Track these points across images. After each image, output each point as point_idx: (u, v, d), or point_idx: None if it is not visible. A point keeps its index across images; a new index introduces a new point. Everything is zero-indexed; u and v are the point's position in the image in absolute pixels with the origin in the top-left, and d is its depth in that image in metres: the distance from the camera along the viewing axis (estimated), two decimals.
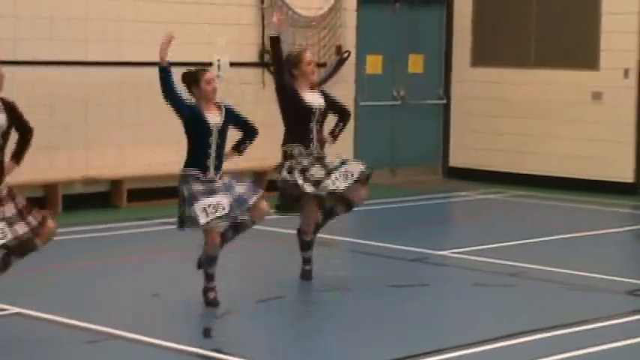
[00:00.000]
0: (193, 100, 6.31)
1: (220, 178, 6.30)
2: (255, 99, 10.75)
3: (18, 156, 5.80)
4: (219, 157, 6.29)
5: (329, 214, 7.20)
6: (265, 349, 5.63)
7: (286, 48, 10.97)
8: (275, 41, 6.93)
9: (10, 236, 5.49)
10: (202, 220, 6.10)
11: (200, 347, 5.53)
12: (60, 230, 8.57)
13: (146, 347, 5.60)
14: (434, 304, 6.77)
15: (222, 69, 10.41)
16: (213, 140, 6.24)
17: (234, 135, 6.53)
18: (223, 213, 6.16)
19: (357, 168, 6.99)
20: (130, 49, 10.00)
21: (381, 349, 5.58)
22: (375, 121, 12.01)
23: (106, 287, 6.93)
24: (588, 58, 11.52)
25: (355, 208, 7.28)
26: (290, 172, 6.86)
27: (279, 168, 6.95)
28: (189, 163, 6.26)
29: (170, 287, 6.62)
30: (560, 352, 5.51)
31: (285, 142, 7.00)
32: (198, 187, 6.18)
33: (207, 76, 6.30)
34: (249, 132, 6.56)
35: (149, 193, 9.98)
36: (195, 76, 6.30)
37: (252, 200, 6.29)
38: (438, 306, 6.77)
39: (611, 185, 11.32)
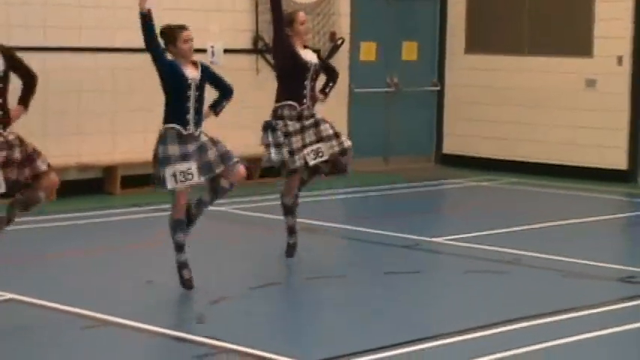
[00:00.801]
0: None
1: (199, 136, 6.33)
2: (249, 85, 10.73)
3: (24, 101, 5.83)
4: (199, 113, 6.34)
5: (314, 172, 7.27)
6: (258, 336, 5.64)
7: None
8: None
9: (3, 186, 5.45)
10: (169, 185, 6.20)
11: (193, 333, 5.54)
12: (54, 217, 8.60)
13: (140, 333, 5.60)
14: (426, 291, 6.78)
15: (216, 55, 10.38)
16: (192, 95, 6.28)
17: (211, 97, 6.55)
18: (191, 182, 6.23)
19: (328, 150, 7.08)
20: (123, 36, 9.96)
21: (373, 335, 5.59)
22: (368, 108, 12.00)
23: (101, 274, 6.93)
24: (582, 45, 11.51)
25: (342, 174, 7.31)
26: (274, 135, 6.91)
27: (265, 128, 7.00)
28: (168, 119, 6.30)
29: (164, 274, 6.62)
30: (554, 339, 5.52)
31: (277, 100, 7.08)
32: (174, 149, 6.23)
33: (185, 34, 6.33)
34: (225, 91, 6.61)
35: (143, 180, 9.93)
36: (173, 33, 6.33)
37: (219, 169, 6.29)
38: (429, 293, 6.78)
39: (605, 172, 11.34)
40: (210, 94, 6.58)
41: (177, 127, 6.26)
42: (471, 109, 12.26)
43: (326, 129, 7.14)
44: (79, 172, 9.91)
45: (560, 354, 5.39)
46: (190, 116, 6.28)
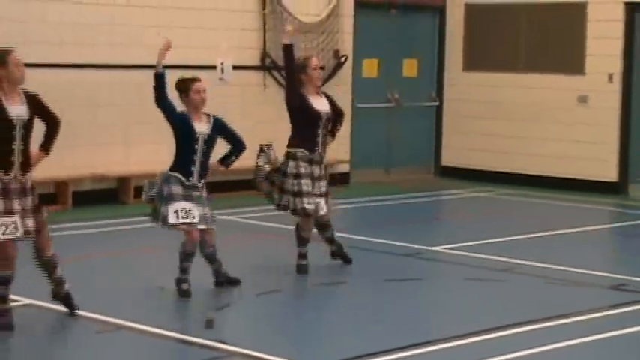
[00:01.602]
0: (184, 108, 6.32)
1: (201, 189, 6.30)
2: (257, 100, 10.75)
3: (46, 146, 5.78)
4: (204, 166, 6.28)
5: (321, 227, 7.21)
6: (264, 340, 5.62)
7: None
8: (288, 49, 6.93)
9: (20, 232, 5.48)
10: (171, 221, 6.17)
11: (202, 337, 5.52)
12: (70, 225, 8.61)
13: (151, 337, 5.59)
14: (426, 298, 6.76)
15: (225, 72, 10.39)
16: (199, 148, 6.23)
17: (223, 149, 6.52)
18: (193, 222, 6.19)
19: (323, 207, 7.02)
20: (136, 53, 9.98)
21: (375, 339, 5.57)
22: (370, 122, 12.00)
23: (114, 279, 6.92)
24: (574, 63, 11.51)
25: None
26: (285, 177, 6.91)
27: (280, 169, 6.97)
28: (174, 167, 6.28)
29: (174, 280, 6.59)
30: (548, 344, 5.51)
31: (290, 145, 7.01)
32: (178, 190, 6.21)
33: (196, 86, 6.27)
34: (236, 145, 6.51)
35: None
36: (185, 84, 6.29)
37: (206, 226, 6.28)
38: (430, 299, 6.76)
39: (596, 184, 11.32)
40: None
41: (181, 177, 6.22)
42: (468, 123, 12.25)
43: (324, 185, 7.05)
44: (93, 182, 9.92)
45: (555, 358, 5.37)
46: (195, 168, 6.23)
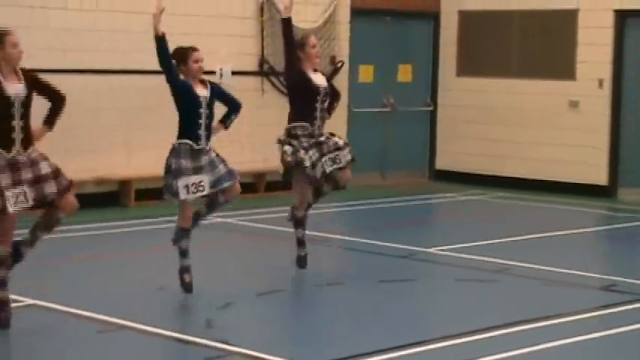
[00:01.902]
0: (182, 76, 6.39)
1: (209, 151, 6.37)
2: (255, 105, 10.75)
3: (49, 121, 5.76)
4: (208, 128, 6.37)
5: (318, 193, 7.23)
6: (263, 339, 5.63)
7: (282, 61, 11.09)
8: (286, 22, 6.96)
9: (30, 202, 5.44)
10: (182, 195, 6.21)
11: (203, 337, 5.53)
12: (73, 227, 8.60)
13: (152, 337, 5.59)
14: (420, 298, 6.77)
15: (224, 77, 10.41)
16: (203, 111, 6.32)
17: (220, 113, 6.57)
18: (203, 193, 6.26)
19: (345, 157, 7.10)
20: (137, 58, 9.99)
21: (372, 339, 5.58)
22: (366, 126, 12.01)
23: (115, 280, 6.92)
24: (566, 69, 11.54)
25: (341, 190, 7.33)
26: (292, 146, 6.91)
27: (282, 143, 6.99)
28: (182, 136, 6.32)
29: (175, 281, 6.60)
30: (540, 344, 5.51)
31: (290, 121, 7.05)
32: (187, 162, 6.26)
33: (195, 54, 6.37)
34: (233, 106, 6.63)
35: (156, 193, 9.92)
36: (184, 53, 6.38)
37: (227, 184, 6.34)
38: (424, 300, 6.77)
39: (587, 188, 11.34)
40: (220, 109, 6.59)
41: (190, 142, 6.28)
42: (462, 127, 12.27)
43: (339, 140, 7.14)
44: (96, 185, 9.92)
45: (546, 358, 5.38)
46: (202, 132, 6.32)
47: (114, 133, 10.02)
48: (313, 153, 6.97)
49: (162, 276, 6.89)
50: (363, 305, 6.44)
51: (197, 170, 6.27)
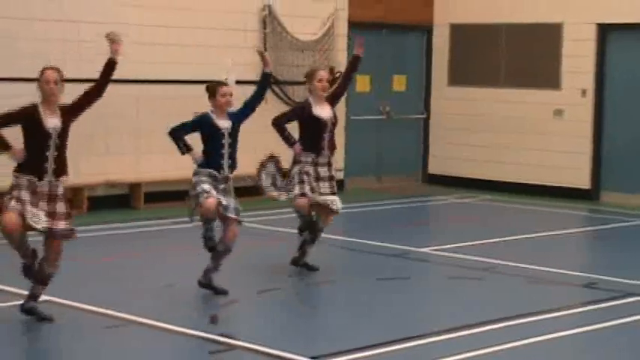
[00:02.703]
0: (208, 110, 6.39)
1: (229, 180, 6.35)
2: (258, 112, 10.68)
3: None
4: (232, 157, 6.36)
5: (314, 228, 7.09)
6: (264, 334, 5.62)
7: (285, 69, 11.10)
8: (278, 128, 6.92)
9: (41, 226, 5.46)
10: (206, 188, 6.16)
11: (207, 332, 5.52)
12: (85, 228, 8.60)
13: (159, 332, 5.59)
14: (414, 295, 6.76)
15: (230, 86, 10.41)
16: (225, 142, 6.32)
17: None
18: (218, 199, 6.19)
19: (335, 204, 7.01)
20: (147, 69, 10.01)
21: (367, 334, 5.57)
22: (363, 133, 12.01)
23: (125, 278, 6.91)
24: (551, 79, 11.54)
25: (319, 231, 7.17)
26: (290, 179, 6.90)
27: (287, 173, 6.97)
28: (205, 165, 6.32)
29: (181, 279, 6.61)
30: (526, 338, 5.51)
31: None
32: (207, 179, 6.26)
33: (222, 90, 6.39)
34: (257, 95, 6.62)
35: (164, 196, 9.97)
36: (213, 88, 6.42)
37: (231, 215, 6.25)
38: (417, 297, 6.76)
39: (571, 191, 11.34)
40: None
41: (213, 171, 6.29)
42: (453, 134, 12.27)
43: (332, 186, 7.02)
44: (107, 188, 9.91)
45: (532, 352, 5.38)
46: (224, 161, 6.32)
47: (124, 140, 10.01)
48: (308, 181, 6.85)
49: (170, 274, 6.89)
50: (359, 302, 6.44)
51: (214, 188, 6.26)
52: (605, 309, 6.31)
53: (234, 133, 6.37)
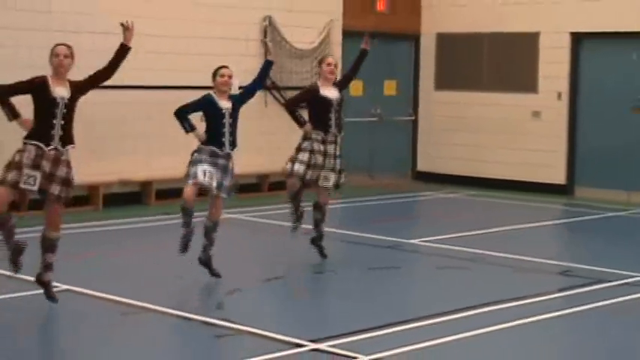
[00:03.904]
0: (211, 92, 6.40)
1: (229, 158, 6.34)
2: (259, 115, 10.75)
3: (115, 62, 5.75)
4: (233, 135, 6.36)
5: (318, 208, 7.13)
6: (267, 319, 5.62)
7: (285, 76, 11.08)
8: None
9: (36, 187, 5.39)
10: (200, 177, 6.17)
11: (214, 317, 5.52)
12: (100, 223, 8.60)
13: (170, 317, 5.58)
14: (405, 283, 6.77)
15: (232, 90, 10.40)
16: (226, 121, 6.32)
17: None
18: (212, 184, 6.21)
19: (331, 180, 7.00)
20: (156, 76, 10.00)
21: (361, 318, 5.57)
22: (356, 134, 12.00)
23: (139, 269, 6.91)
24: (529, 83, 11.54)
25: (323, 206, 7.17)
26: (299, 153, 6.89)
27: (296, 150, 6.96)
28: (208, 142, 6.31)
29: (190, 270, 6.60)
30: (508, 322, 5.52)
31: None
32: (207, 158, 6.26)
33: (222, 71, 6.41)
34: (258, 79, 6.59)
35: (174, 193, 9.95)
36: (215, 71, 6.45)
37: (223, 194, 6.25)
38: (408, 285, 6.76)
39: (547, 187, 11.35)
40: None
41: (214, 148, 6.29)
42: (440, 135, 12.27)
43: (338, 164, 7.05)
44: (120, 186, 9.90)
45: (514, 334, 5.38)
46: (226, 139, 6.31)
47: (136, 141, 10.00)
48: (315, 158, 6.90)
49: (179, 266, 6.89)
50: (354, 290, 6.44)
51: (213, 165, 6.28)
52: (580, 294, 6.32)
53: (234, 113, 6.37)
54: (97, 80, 5.76)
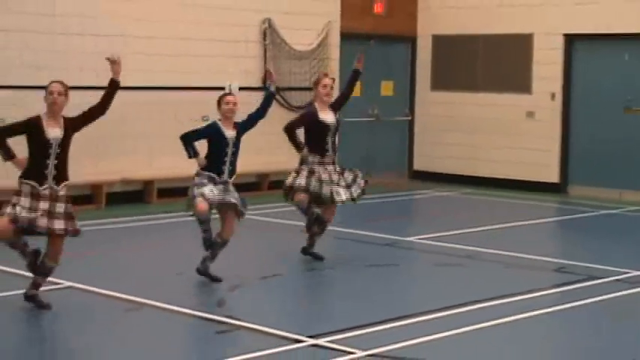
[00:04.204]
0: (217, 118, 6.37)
1: (228, 184, 6.29)
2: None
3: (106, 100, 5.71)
4: (233, 164, 6.32)
5: (320, 222, 7.03)
6: (266, 316, 5.61)
7: (284, 77, 11.08)
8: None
9: (42, 225, 5.40)
10: (208, 195, 6.11)
11: (215, 314, 5.52)
12: (103, 221, 8.60)
13: (171, 314, 5.58)
14: (402, 280, 6.76)
15: (233, 91, 10.40)
16: (229, 150, 6.28)
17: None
18: (214, 200, 6.16)
19: (343, 195, 6.93)
20: (158, 77, 10.00)
21: (359, 314, 5.57)
22: (354, 133, 12.01)
23: (140, 266, 6.90)
24: (523, 84, 11.54)
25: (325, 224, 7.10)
26: (297, 176, 6.82)
27: (294, 174, 6.90)
28: (208, 168, 6.27)
29: (191, 267, 6.59)
30: (503, 317, 5.52)
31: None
32: (207, 182, 6.22)
33: (226, 98, 6.36)
34: (259, 111, 6.50)
35: (175, 191, 9.95)
36: (219, 99, 6.39)
37: (234, 201, 6.22)
38: (405, 281, 6.76)
39: (541, 185, 11.35)
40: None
41: (214, 175, 6.25)
42: (436, 134, 12.27)
43: (343, 179, 6.97)
44: (123, 185, 9.89)
45: (508, 329, 5.38)
46: (226, 167, 6.28)
47: (138, 141, 10.00)
48: (318, 174, 6.78)
49: (180, 263, 6.88)
50: (352, 286, 6.43)
51: (213, 186, 6.23)
52: (573, 290, 6.32)
53: (237, 142, 6.33)
54: (90, 118, 5.75)
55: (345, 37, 11.69)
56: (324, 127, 6.89)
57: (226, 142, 6.27)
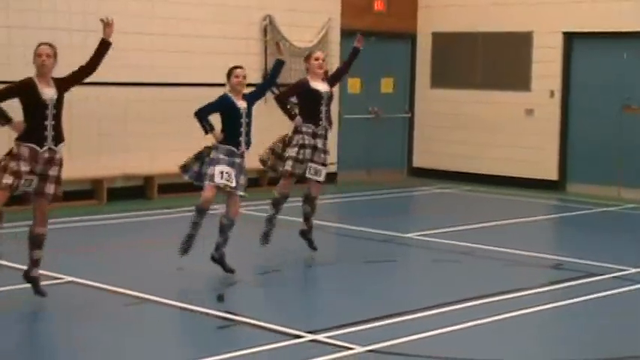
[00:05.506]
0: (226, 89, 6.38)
1: (243, 157, 6.31)
2: (258, 111, 10.63)
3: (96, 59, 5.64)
4: (248, 135, 6.36)
5: (309, 199, 7.05)
6: (265, 311, 5.61)
7: (284, 73, 11.04)
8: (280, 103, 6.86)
9: (33, 188, 5.38)
10: (217, 179, 6.14)
11: (215, 309, 5.51)
12: (104, 216, 8.58)
13: (171, 309, 5.58)
14: (400, 276, 6.76)
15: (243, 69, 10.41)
16: (243, 121, 6.32)
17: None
18: (231, 184, 6.19)
19: (322, 174, 6.93)
20: (159, 73, 9.99)
21: (358, 310, 5.57)
22: (354, 130, 12.00)
23: (141, 261, 6.90)
24: (522, 81, 11.53)
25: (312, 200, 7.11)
26: (289, 146, 6.84)
27: (287, 141, 6.91)
28: (224, 141, 6.28)
29: (191, 262, 6.59)
30: (500, 314, 5.51)
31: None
32: (224, 156, 6.23)
33: (236, 71, 6.39)
34: (270, 79, 6.57)
35: (176, 187, 9.94)
36: (229, 71, 6.42)
37: (238, 192, 6.25)
38: (403, 277, 6.76)
39: (540, 182, 11.35)
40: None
41: (232, 147, 6.26)
42: (435, 131, 12.26)
43: (327, 159, 6.99)
44: (124, 180, 9.88)
45: (506, 326, 5.38)
46: (242, 138, 6.30)
47: (140, 137, 9.99)
48: (304, 152, 6.86)
49: (181, 259, 6.87)
50: (350, 282, 6.43)
51: (230, 164, 6.24)
52: (571, 287, 6.32)
53: (249, 112, 6.37)
54: (80, 77, 5.69)
55: (346, 34, 11.67)
56: (316, 95, 6.90)
57: (239, 114, 6.30)
